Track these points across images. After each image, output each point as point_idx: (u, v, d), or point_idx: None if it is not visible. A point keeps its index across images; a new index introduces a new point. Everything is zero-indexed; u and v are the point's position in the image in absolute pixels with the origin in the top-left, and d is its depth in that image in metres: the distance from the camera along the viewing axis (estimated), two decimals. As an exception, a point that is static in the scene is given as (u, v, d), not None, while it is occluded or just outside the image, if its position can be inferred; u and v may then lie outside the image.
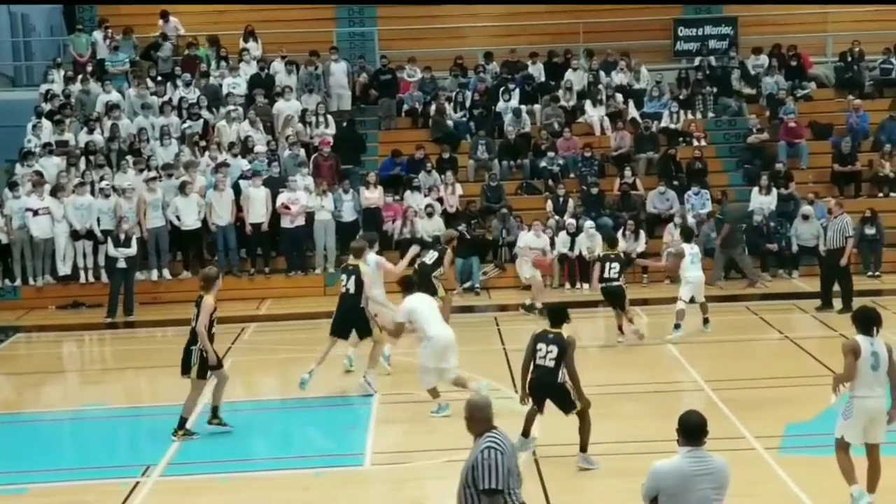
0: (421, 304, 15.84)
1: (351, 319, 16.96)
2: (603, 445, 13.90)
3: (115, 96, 27.85)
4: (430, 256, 19.90)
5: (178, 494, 13.45)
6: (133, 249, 23.23)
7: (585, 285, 24.29)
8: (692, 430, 8.50)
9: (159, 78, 28.87)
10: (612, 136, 27.85)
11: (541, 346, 13.60)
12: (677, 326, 19.56)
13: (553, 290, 24.27)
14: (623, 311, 19.63)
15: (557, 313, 13.87)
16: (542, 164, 27.13)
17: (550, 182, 26.50)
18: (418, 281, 17.63)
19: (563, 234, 24.64)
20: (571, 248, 24.53)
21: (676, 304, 19.67)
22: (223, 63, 29.46)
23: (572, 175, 26.98)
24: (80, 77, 28.61)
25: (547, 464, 13.70)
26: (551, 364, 13.45)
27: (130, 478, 13.86)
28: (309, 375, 16.69)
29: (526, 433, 13.94)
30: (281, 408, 17.06)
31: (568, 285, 24.60)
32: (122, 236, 23.26)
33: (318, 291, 24.44)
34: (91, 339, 21.97)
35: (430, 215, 25.14)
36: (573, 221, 24.68)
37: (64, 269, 24.49)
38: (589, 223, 24.41)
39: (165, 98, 27.94)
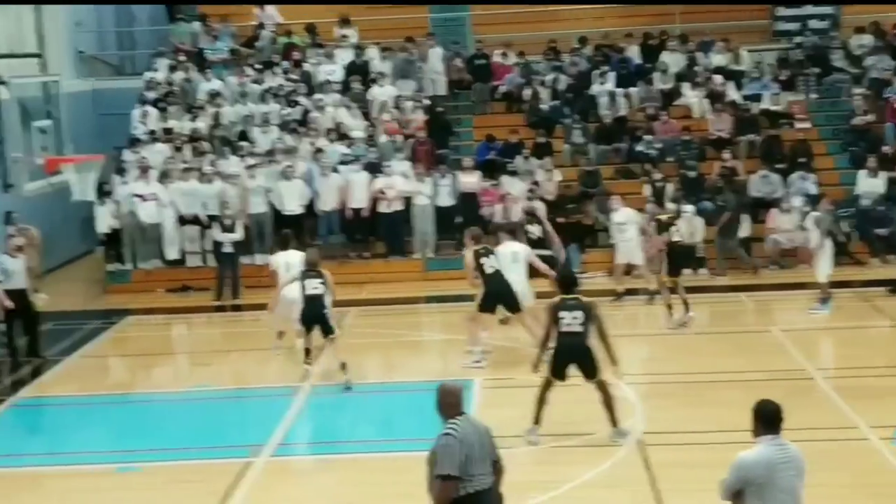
0: None
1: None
2: (706, 434, 13.91)
3: (216, 84, 28.26)
4: None
5: (286, 475, 13.76)
6: (239, 234, 23.62)
7: (686, 270, 24.13)
8: (772, 416, 8.48)
9: (258, 66, 29.24)
10: (711, 119, 27.64)
11: (563, 314, 13.86)
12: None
13: (653, 274, 24.13)
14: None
15: (568, 280, 14.31)
16: (639, 148, 27.01)
17: (648, 166, 26.38)
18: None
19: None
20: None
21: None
22: (319, 50, 29.75)
23: (670, 159, 26.82)
24: (182, 66, 29.08)
25: (653, 451, 13.75)
26: (580, 328, 13.74)
27: (239, 458, 14.18)
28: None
29: (538, 419, 14.10)
30: (382, 391, 17.28)
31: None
32: (228, 222, 23.64)
33: (416, 276, 24.63)
34: (199, 321, 22.37)
35: (530, 200, 25.15)
36: (672, 206, 24.54)
37: (172, 253, 24.95)
38: (688, 207, 24.25)
39: (265, 86, 28.30)
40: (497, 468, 9.14)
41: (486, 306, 17.78)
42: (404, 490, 12.21)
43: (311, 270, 17.14)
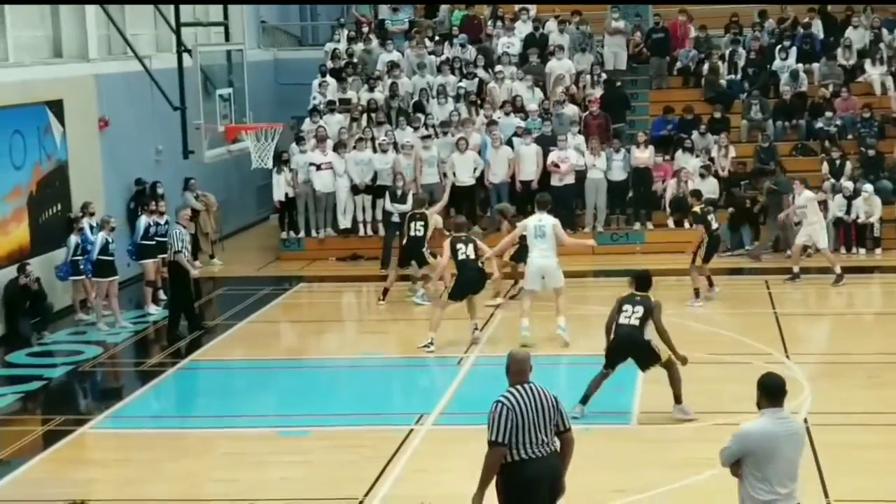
0: None
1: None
2: (878, 416, 13.62)
3: (395, 55, 28.55)
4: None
5: (450, 443, 13.88)
6: (408, 205, 23.77)
7: (862, 250, 23.64)
8: (775, 390, 8.44)
9: (437, 38, 29.45)
10: (894, 96, 26.84)
11: (626, 307, 14.20)
12: None
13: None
14: None
15: (643, 279, 14.47)
16: (819, 124, 26.42)
17: (827, 143, 25.80)
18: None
19: (839, 197, 23.95)
20: (848, 212, 23.85)
21: None
22: (499, 23, 29.81)
23: (850, 136, 26.17)
24: (362, 37, 29.47)
25: (820, 432, 13.52)
26: (636, 322, 14.01)
27: (404, 425, 14.39)
28: None
29: (678, 398, 14.16)
30: (552, 364, 17.31)
31: (843, 250, 23.86)
32: (399, 192, 23.91)
33: (587, 250, 24.52)
34: (369, 290, 22.68)
35: (702, 177, 24.86)
36: (850, 184, 23.98)
37: (344, 222, 25.33)
38: (867, 186, 23.68)
39: (443, 57, 28.49)
40: (564, 439, 9.23)
41: (456, 294, 18.06)
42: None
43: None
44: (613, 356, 14.32)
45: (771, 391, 8.46)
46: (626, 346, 14.18)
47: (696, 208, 20.70)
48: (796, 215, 22.33)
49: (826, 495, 11.81)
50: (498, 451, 9.01)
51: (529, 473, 9.04)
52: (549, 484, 9.14)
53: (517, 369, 9.23)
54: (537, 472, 9.05)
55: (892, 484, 11.80)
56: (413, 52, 28.60)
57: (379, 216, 24.95)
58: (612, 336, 14.30)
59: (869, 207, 23.48)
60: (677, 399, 14.17)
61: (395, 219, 23.44)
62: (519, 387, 9.15)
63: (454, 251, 17.92)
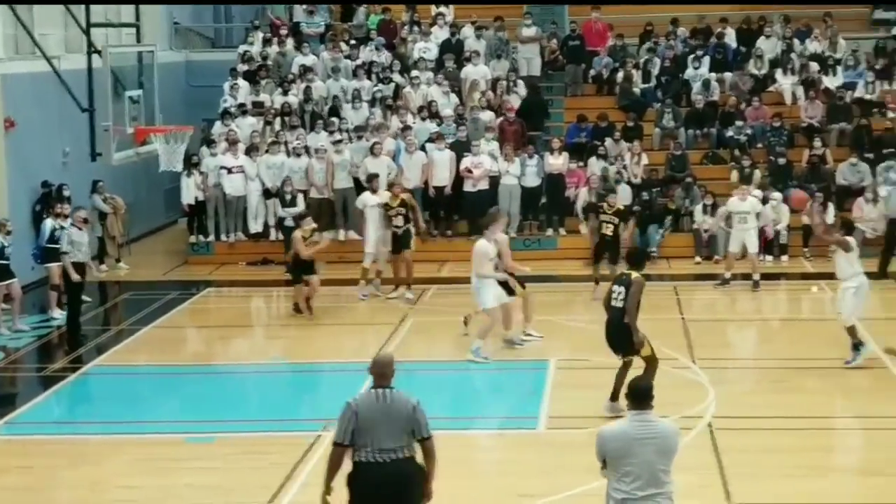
0: None
1: None
2: (782, 420, 13.75)
3: (310, 59, 28.39)
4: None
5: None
6: (300, 207, 23.76)
7: (769, 257, 23.89)
8: (638, 393, 8.64)
9: (353, 42, 29.33)
10: (804, 106, 27.21)
11: (615, 287, 14.07)
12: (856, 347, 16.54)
13: (737, 261, 23.92)
14: None
15: (635, 255, 14.48)
16: (730, 133, 26.69)
17: (737, 152, 26.07)
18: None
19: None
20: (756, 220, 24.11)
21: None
22: (415, 28, 29.78)
23: (760, 145, 26.48)
24: (276, 39, 29.28)
25: (723, 436, 13.64)
26: (620, 304, 13.85)
27: (311, 431, 14.25)
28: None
29: (615, 396, 14.04)
30: (458, 369, 17.28)
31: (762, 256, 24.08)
32: (289, 196, 23.83)
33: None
34: (278, 295, 22.47)
35: (616, 182, 25.03)
36: (759, 193, 24.23)
37: (255, 226, 25.14)
38: (775, 194, 23.96)
39: (358, 62, 28.39)
40: (423, 448, 9.21)
41: None
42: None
43: None
44: (608, 341, 14.22)
45: (634, 394, 8.67)
46: (608, 330, 14.13)
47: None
48: (737, 220, 22.22)
49: (728, 499, 11.90)
50: (336, 451, 9.20)
51: (368, 477, 9.10)
52: (394, 490, 9.11)
53: (377, 372, 9.28)
54: (376, 477, 9.08)
55: (794, 488, 11.90)
56: (329, 55, 28.46)
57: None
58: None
59: (777, 215, 23.75)
60: (613, 396, 14.04)
61: (289, 223, 23.39)
62: (374, 391, 9.19)
63: None
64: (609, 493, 8.61)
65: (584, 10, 30.35)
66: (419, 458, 9.24)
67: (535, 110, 27.51)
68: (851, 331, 16.14)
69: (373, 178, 22.44)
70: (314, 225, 20.81)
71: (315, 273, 20.23)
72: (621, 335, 13.93)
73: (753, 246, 22.00)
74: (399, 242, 21.40)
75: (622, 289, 13.93)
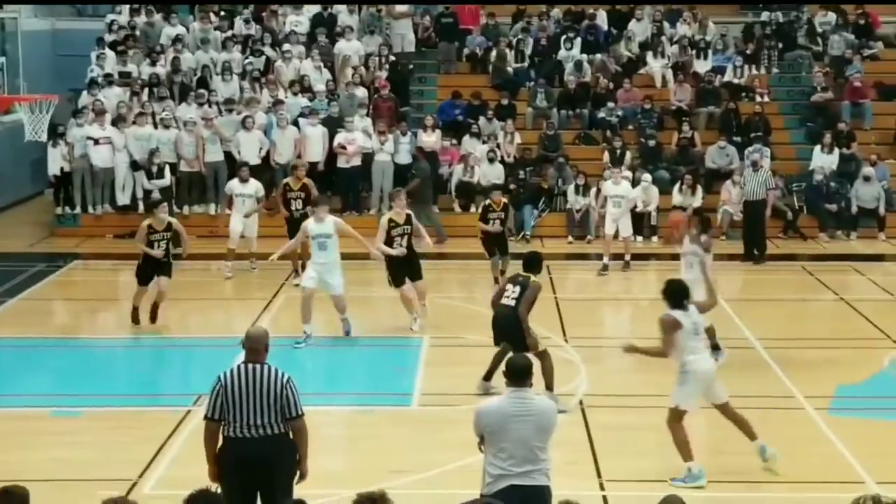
0: None
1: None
2: (651, 398, 13.91)
3: (179, 29, 27.93)
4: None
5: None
6: (166, 181, 23.43)
7: (639, 238, 24.20)
8: (516, 371, 8.78)
9: (223, 13, 28.91)
10: (673, 89, 27.62)
11: (509, 286, 14.15)
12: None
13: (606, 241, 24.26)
14: None
15: (531, 260, 14.43)
16: (601, 114, 26.98)
17: (608, 133, 26.36)
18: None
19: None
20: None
21: None
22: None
23: (631, 127, 26.82)
24: (144, 9, 28.72)
25: (594, 414, 13.78)
26: (512, 303, 13.90)
27: (181, 406, 14.09)
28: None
29: (488, 375, 14.15)
30: (331, 346, 17.18)
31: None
32: (154, 169, 23.49)
33: (372, 232, 24.25)
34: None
35: (491, 161, 25.14)
36: (629, 174, 24.55)
37: (123, 198, 24.71)
38: (646, 175, 24.28)
39: (228, 34, 28.01)
40: (292, 427, 9.14)
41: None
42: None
43: None
44: (494, 334, 14.18)
45: (512, 371, 8.77)
46: (499, 327, 14.05)
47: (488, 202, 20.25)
48: (612, 203, 22.04)
49: (599, 475, 12.04)
50: (208, 426, 9.20)
51: (236, 453, 9.10)
52: (264, 466, 9.07)
53: (250, 347, 9.24)
54: (244, 452, 9.06)
55: (663, 465, 12.05)
56: (198, 25, 28.02)
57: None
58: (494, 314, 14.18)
59: (647, 196, 24.06)
60: (548, 387, 13.92)
61: (156, 195, 23.02)
62: (245, 365, 9.13)
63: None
64: (486, 468, 8.66)
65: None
66: (287, 434, 9.17)
67: (401, 86, 27.42)
68: (710, 331, 15.56)
69: (242, 166, 21.83)
70: (169, 219, 17.75)
71: (167, 274, 17.55)
72: (513, 331, 13.89)
73: (627, 229, 22.12)
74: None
75: (517, 289, 13.95)
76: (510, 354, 9.22)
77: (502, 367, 9.46)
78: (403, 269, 17.46)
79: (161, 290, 17.41)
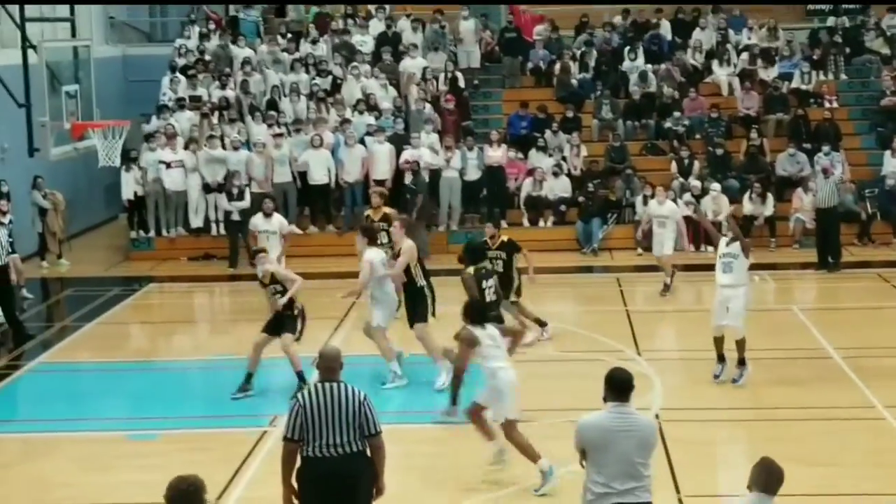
0: None
1: None
2: (727, 411, 13.86)
3: (248, 52, 28.24)
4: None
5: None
6: (246, 202, 23.64)
7: (710, 248, 24.04)
8: (617, 385, 8.55)
9: (289, 35, 29.20)
10: (740, 97, 27.46)
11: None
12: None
13: (677, 252, 24.11)
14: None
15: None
16: (668, 124, 26.88)
17: (675, 143, 26.26)
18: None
19: (687, 195, 24.41)
20: (695, 211, 24.28)
21: None
22: (350, 21, 29.70)
23: (698, 136, 26.69)
24: (216, 33, 29.07)
25: (670, 428, 13.71)
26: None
27: (257, 427, 14.23)
28: None
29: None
30: (406, 363, 17.20)
31: (692, 247, 24.30)
32: (235, 190, 23.72)
33: (441, 248, 24.55)
34: (221, 290, 22.42)
35: (556, 175, 25.16)
36: (698, 183, 24.45)
37: (196, 221, 24.98)
38: (715, 185, 24.15)
39: (296, 55, 28.26)
40: (370, 444, 9.18)
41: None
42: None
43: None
44: None
45: (613, 386, 8.55)
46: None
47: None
48: (656, 223, 21.33)
49: (678, 490, 11.98)
50: (287, 447, 9.20)
51: (317, 472, 9.11)
52: (344, 485, 9.10)
53: (324, 367, 9.29)
54: (325, 471, 9.08)
55: (740, 479, 11.96)
56: (266, 48, 28.31)
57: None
58: None
59: (717, 206, 23.90)
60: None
61: (235, 217, 23.31)
62: (322, 384, 9.17)
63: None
64: (587, 485, 8.53)
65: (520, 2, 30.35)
66: (366, 451, 9.20)
67: (462, 101, 27.48)
68: (741, 344, 15.37)
69: (265, 198, 20.37)
70: (270, 269, 15.74)
71: (290, 330, 15.63)
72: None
73: (669, 248, 21.16)
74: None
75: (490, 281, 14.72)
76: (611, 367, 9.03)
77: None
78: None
79: (282, 345, 15.72)
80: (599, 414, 8.56)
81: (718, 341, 15.37)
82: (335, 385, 9.14)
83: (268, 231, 19.43)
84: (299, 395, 9.19)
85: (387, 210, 18.89)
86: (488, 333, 12.18)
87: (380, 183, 24.53)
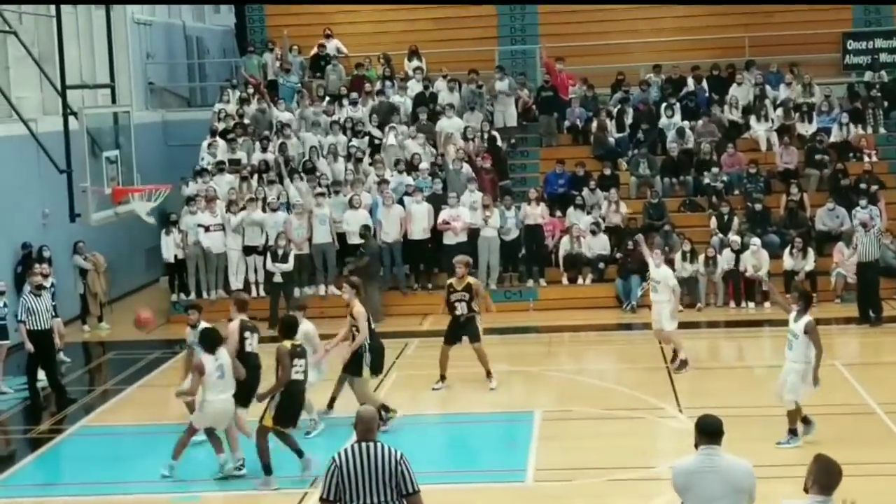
0: None
1: None
2: (775, 468, 13.73)
3: (287, 115, 28.50)
4: None
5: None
6: (289, 265, 23.75)
7: (751, 304, 23.99)
8: (704, 429, 8.61)
9: (327, 98, 29.45)
10: (779, 152, 27.42)
11: (298, 361, 14.56)
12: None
13: (717, 308, 24.07)
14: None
15: (290, 325, 14.89)
16: (706, 180, 26.84)
17: (714, 199, 26.22)
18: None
19: (727, 251, 24.35)
20: (736, 265, 24.22)
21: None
22: (388, 83, 29.93)
23: (737, 192, 26.65)
24: (255, 97, 29.36)
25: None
26: (300, 377, 14.69)
27: (298, 489, 14.29)
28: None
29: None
30: (443, 423, 17.24)
31: (733, 304, 24.21)
32: (281, 252, 23.84)
33: (395, 310, 24.57)
34: (262, 351, 22.35)
35: (594, 233, 25.17)
36: (737, 238, 24.38)
37: (236, 283, 25.08)
38: (754, 240, 24.08)
39: (335, 117, 28.49)
40: (409, 502, 9.11)
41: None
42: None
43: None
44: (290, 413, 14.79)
45: (703, 430, 8.61)
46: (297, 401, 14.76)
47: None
48: (651, 288, 19.64)
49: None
50: None
51: None
52: None
53: (362, 428, 9.24)
54: None
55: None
56: (310, 111, 28.54)
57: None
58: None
59: (756, 261, 23.85)
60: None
61: (278, 279, 23.41)
62: (359, 444, 9.13)
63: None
64: None
65: (556, 61, 30.45)
66: None
67: (498, 160, 27.58)
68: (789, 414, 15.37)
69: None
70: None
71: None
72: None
73: (669, 324, 19.07)
74: (463, 330, 18.53)
75: (304, 362, 14.59)
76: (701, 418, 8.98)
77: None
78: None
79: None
80: (690, 457, 8.59)
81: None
82: (371, 445, 9.11)
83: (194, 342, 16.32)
84: (336, 456, 9.14)
85: (470, 280, 18.76)
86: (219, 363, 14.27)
87: (420, 242, 24.67)
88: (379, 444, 9.12)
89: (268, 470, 14.39)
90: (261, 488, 14.34)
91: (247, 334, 15.75)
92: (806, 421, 15.25)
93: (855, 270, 23.20)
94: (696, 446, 8.55)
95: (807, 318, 14.88)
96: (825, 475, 7.97)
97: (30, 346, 19.22)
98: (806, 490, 8.02)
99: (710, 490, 8.35)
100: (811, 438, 15.03)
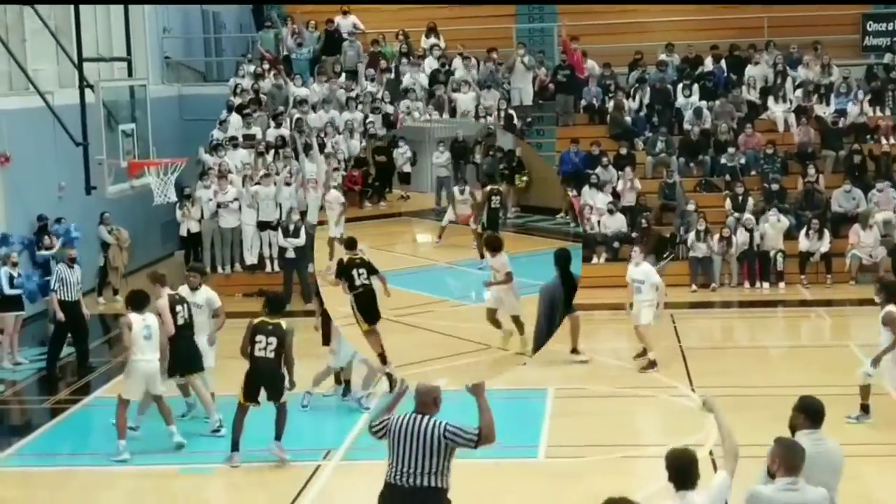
0: None
1: None
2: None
3: (303, 91, 28.47)
4: None
5: (359, 477, 13.67)
6: (301, 240, 23.75)
7: (766, 284, 23.94)
8: (808, 410, 8.67)
9: (345, 73, 29.42)
10: (796, 133, 27.31)
11: (261, 337, 14.25)
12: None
13: (731, 288, 23.99)
14: None
15: (274, 302, 14.63)
16: (723, 160, 26.77)
17: (730, 179, 26.14)
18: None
19: (741, 231, 24.29)
20: (750, 246, 24.16)
21: None
22: (404, 60, 29.89)
23: (753, 172, 26.57)
24: (271, 72, 29.34)
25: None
26: (271, 355, 14.16)
27: (312, 461, 14.35)
28: None
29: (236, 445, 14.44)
30: (457, 398, 17.21)
31: (748, 284, 24.17)
32: (292, 227, 23.86)
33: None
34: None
35: (611, 212, 25.12)
36: (752, 217, 24.30)
37: (250, 258, 25.15)
38: (773, 212, 23.98)
39: (352, 93, 28.46)
40: (481, 441, 9.48)
41: None
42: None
43: None
44: (253, 388, 14.45)
45: (811, 412, 8.69)
46: (261, 380, 14.36)
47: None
48: (634, 288, 18.46)
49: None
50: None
51: (386, 497, 9.39)
52: None
53: (418, 401, 9.52)
54: (391, 499, 9.34)
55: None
56: (326, 87, 28.50)
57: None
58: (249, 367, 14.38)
59: (775, 232, 23.75)
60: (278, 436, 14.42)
61: (290, 254, 23.43)
62: (411, 413, 9.43)
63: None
64: None
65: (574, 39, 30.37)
66: (442, 490, 9.35)
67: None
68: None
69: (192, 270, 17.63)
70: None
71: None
72: (277, 383, 14.32)
73: (646, 317, 18.24)
74: None
75: (274, 339, 14.20)
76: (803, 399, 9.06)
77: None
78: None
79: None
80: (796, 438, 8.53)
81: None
82: (419, 417, 9.38)
83: (195, 303, 16.47)
84: (393, 417, 9.43)
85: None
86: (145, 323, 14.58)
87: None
88: (426, 419, 9.36)
89: (235, 446, 14.38)
90: (226, 463, 14.32)
91: (178, 308, 15.58)
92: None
93: (868, 252, 23.13)
94: (794, 429, 8.55)
95: (889, 308, 14.95)
96: (790, 456, 8.01)
97: (61, 316, 19.36)
98: (772, 475, 8.03)
99: (821, 476, 8.23)
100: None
